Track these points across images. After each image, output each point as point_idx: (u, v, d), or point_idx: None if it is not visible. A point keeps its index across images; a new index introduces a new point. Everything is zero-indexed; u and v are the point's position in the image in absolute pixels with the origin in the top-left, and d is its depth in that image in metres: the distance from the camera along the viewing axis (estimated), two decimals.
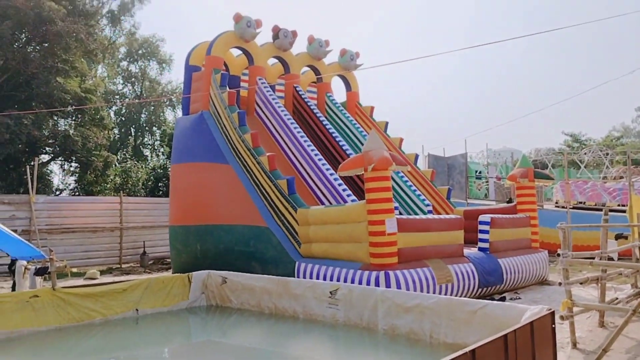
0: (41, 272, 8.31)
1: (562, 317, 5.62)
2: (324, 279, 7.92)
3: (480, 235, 9.13)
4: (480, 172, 20.32)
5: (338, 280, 7.71)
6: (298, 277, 8.40)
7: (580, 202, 15.82)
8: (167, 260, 14.69)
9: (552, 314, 4.30)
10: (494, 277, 8.53)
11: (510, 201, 15.04)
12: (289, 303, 6.60)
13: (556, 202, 16.85)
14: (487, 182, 20.00)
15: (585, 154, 24.67)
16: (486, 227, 9.07)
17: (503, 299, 8.05)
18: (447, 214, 11.05)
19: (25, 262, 8.43)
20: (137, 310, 6.76)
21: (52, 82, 18.37)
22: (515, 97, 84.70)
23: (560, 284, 5.82)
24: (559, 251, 5.83)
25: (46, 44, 18.59)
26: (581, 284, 6.29)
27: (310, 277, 8.19)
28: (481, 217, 9.22)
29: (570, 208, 13.96)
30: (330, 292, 6.23)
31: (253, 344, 5.97)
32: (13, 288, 8.30)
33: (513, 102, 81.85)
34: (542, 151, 31.12)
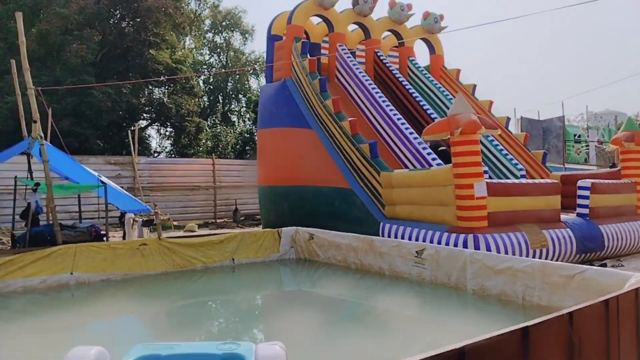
0: (147, 224, 9.14)
1: None
2: (409, 239, 7.90)
3: (579, 201, 8.58)
4: (579, 136, 18.81)
5: (424, 241, 7.66)
6: (382, 237, 8.45)
7: None
8: (257, 216, 15.46)
9: None
10: (593, 244, 8.03)
11: (613, 166, 13.90)
12: (375, 260, 6.69)
13: None
14: (587, 146, 18.52)
15: None
16: (586, 193, 8.50)
17: (604, 266, 7.59)
18: (543, 178, 10.48)
19: (133, 215, 9.30)
20: (233, 259, 7.25)
21: (146, 54, 19.64)
22: (620, 55, 76.54)
23: None
24: None
25: (138, 19, 19.78)
26: None
27: (395, 238, 8.21)
28: (580, 182, 8.65)
29: None
30: (417, 252, 6.22)
31: (341, 295, 6.15)
32: (123, 237, 9.20)
33: (617, 60, 74.16)
34: None
